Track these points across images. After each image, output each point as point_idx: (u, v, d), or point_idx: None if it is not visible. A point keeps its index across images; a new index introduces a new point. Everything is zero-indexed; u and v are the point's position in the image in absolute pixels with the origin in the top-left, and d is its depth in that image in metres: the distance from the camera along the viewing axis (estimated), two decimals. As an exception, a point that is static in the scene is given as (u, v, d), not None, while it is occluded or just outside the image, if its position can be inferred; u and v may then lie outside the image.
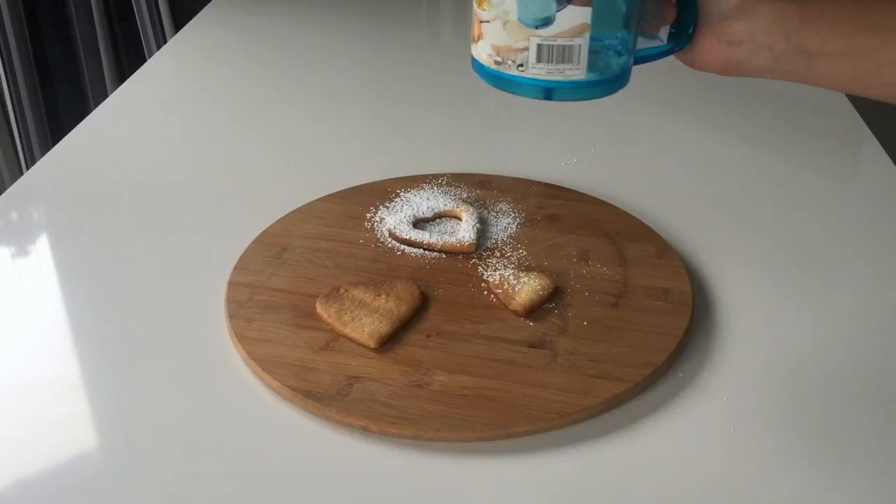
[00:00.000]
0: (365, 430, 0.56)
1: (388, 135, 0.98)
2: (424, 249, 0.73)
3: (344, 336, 0.63)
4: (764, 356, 0.64)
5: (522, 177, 0.84)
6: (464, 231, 0.74)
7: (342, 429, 0.57)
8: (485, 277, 0.69)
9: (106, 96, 1.21)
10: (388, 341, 0.62)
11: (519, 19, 0.49)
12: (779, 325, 0.67)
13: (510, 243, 0.74)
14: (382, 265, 0.71)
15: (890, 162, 0.89)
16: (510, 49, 0.50)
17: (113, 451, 0.57)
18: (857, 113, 0.99)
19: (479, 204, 0.79)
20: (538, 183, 0.83)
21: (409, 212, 0.77)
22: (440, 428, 0.56)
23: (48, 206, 0.85)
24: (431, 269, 0.71)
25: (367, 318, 0.63)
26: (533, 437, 0.56)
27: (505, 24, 0.50)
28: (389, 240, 0.74)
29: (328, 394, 0.58)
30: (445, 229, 0.76)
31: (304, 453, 0.56)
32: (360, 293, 0.66)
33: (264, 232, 0.75)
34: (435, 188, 0.81)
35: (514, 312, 0.65)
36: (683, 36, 0.52)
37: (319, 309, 0.65)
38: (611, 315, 0.66)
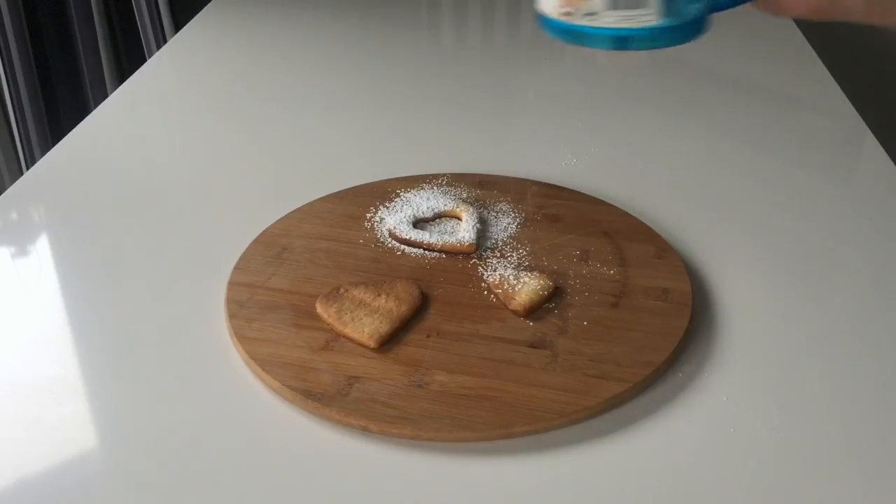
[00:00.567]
0: (365, 430, 0.56)
1: (388, 135, 0.98)
2: (424, 249, 0.73)
3: (344, 336, 0.63)
4: (764, 356, 0.64)
5: (522, 177, 0.84)
6: (464, 231, 0.74)
7: (342, 429, 0.57)
8: (485, 277, 0.69)
9: (106, 96, 1.22)
10: (388, 341, 0.62)
11: None
12: (779, 324, 0.67)
13: (510, 243, 0.74)
14: (382, 265, 0.71)
15: (890, 162, 0.89)
16: None
17: (113, 451, 0.57)
18: (857, 113, 0.99)
19: (479, 204, 0.79)
20: (538, 183, 0.83)
21: (409, 212, 0.77)
22: (440, 428, 0.56)
23: (48, 206, 0.85)
24: (431, 269, 0.71)
25: (367, 318, 0.63)
26: (533, 437, 0.56)
27: None
28: (389, 240, 0.74)
29: (328, 394, 0.58)
30: (445, 229, 0.76)
31: (304, 453, 0.56)
32: (360, 293, 0.66)
33: (264, 232, 0.75)
34: (435, 188, 0.81)
35: (514, 312, 0.65)
36: None
37: (319, 309, 0.65)
38: (611, 315, 0.66)
